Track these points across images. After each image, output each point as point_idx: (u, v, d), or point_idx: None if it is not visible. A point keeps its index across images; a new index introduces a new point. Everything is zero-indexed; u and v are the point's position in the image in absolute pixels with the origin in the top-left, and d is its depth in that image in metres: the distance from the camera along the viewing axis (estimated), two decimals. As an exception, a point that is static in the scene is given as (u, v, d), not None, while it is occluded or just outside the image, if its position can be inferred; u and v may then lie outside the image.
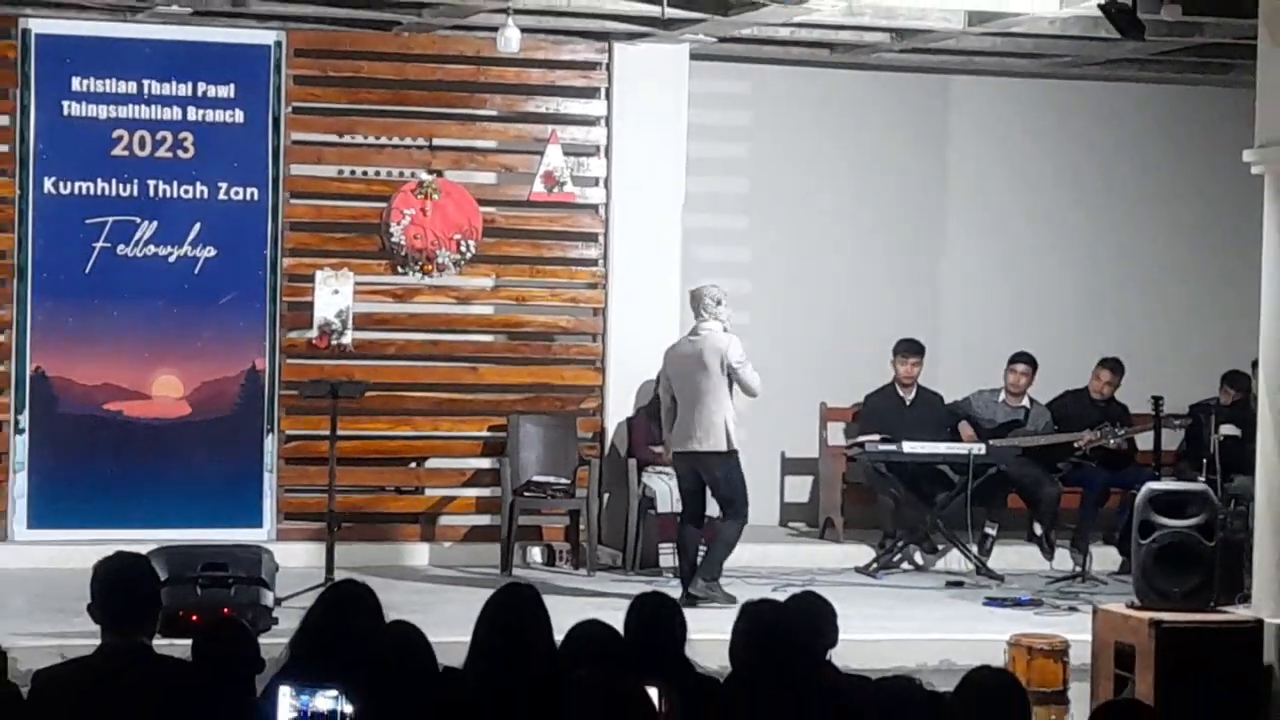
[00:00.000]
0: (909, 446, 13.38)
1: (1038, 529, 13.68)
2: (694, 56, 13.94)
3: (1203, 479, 11.77)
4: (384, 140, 13.74)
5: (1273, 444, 10.65)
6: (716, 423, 11.97)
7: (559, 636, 6.22)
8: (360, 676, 5.76)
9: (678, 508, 12.92)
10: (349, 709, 5.67)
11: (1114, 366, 13.92)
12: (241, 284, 13.45)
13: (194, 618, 9.94)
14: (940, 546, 13.62)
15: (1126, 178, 15.42)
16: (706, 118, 14.36)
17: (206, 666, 5.93)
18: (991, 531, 13.54)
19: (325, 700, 5.66)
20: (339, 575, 9.45)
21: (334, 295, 13.49)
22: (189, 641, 6.25)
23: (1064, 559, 13.51)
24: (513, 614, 6.38)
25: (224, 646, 5.99)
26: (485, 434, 13.83)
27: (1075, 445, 13.62)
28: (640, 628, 6.40)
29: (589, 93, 13.95)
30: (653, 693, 5.14)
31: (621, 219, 13.94)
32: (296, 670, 5.92)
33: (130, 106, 13.24)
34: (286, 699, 5.69)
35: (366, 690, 5.71)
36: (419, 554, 13.49)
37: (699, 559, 11.94)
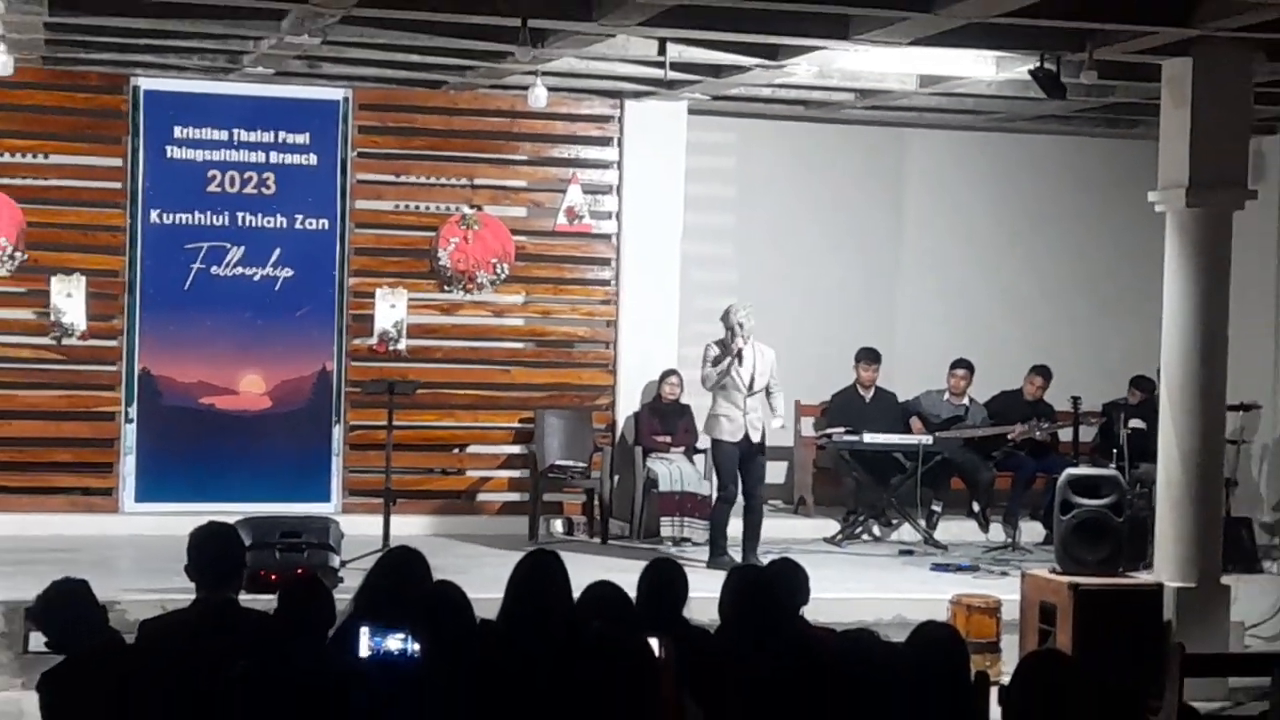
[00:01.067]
0: (868, 437, 13.37)
1: (975, 507, 13.70)
2: (691, 111, 13.94)
3: (1113, 466, 11.76)
4: (433, 180, 13.72)
5: (1172, 437, 10.64)
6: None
7: (576, 593, 6.22)
8: (414, 626, 5.77)
9: (676, 487, 12.94)
10: (415, 648, 5.67)
11: (1044, 373, 13.95)
12: (314, 299, 13.45)
13: (273, 577, 9.95)
14: (894, 521, 13.62)
15: (1050, 215, 15.41)
16: (701, 163, 14.34)
17: (291, 615, 5.93)
18: (937, 509, 13.55)
19: (395, 641, 5.67)
20: (394, 542, 9.43)
21: (391, 309, 13.49)
22: (269, 596, 6.25)
23: (997, 532, 13.53)
24: (537, 575, 6.38)
25: (306, 598, 5.99)
26: (515, 425, 13.82)
27: (1008, 437, 13.64)
28: (650, 588, 6.40)
29: (603, 141, 13.94)
30: (654, 643, 5.13)
31: (630, 247, 13.94)
32: (368, 617, 5.93)
33: (222, 151, 13.25)
34: (364, 638, 5.69)
35: (431, 639, 5.72)
36: (460, 525, 13.43)
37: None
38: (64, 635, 6.00)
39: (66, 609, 6.02)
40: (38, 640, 9.80)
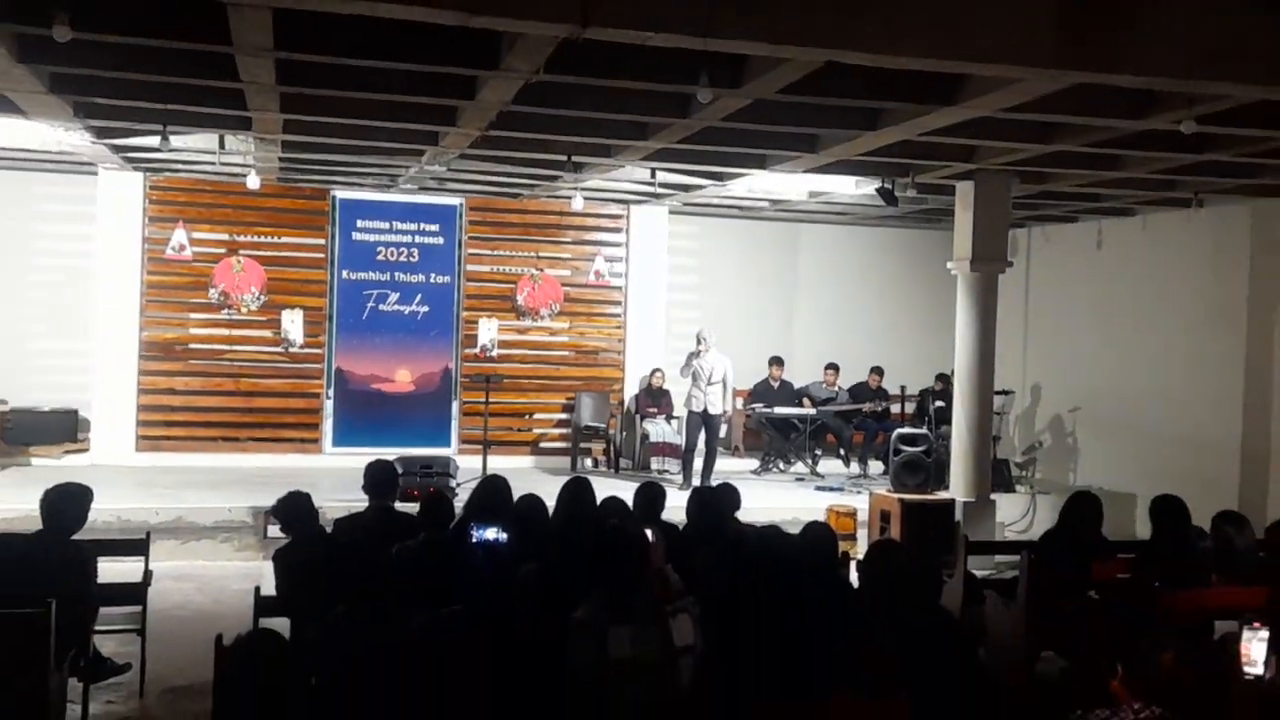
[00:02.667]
0: (778, 410, 13.40)
1: (842, 452, 13.70)
2: (671, 212, 13.95)
3: (925, 428, 11.79)
4: (513, 253, 13.71)
5: (961, 410, 10.68)
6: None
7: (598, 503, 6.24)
8: (503, 523, 5.78)
9: (660, 439, 12.98)
10: (504, 536, 5.68)
11: (880, 371, 13.92)
12: (441, 325, 13.42)
13: (415, 493, 9.96)
14: (792, 461, 13.61)
15: (888, 275, 15.40)
16: (677, 244, 14.34)
17: (426, 515, 5.94)
18: (818, 453, 13.55)
19: (491, 531, 5.68)
20: (490, 471, 9.45)
21: (488, 331, 13.51)
22: (414, 505, 6.26)
23: (855, 467, 13.52)
24: (575, 490, 6.42)
25: (437, 505, 6.01)
26: (563, 401, 13.80)
27: (862, 410, 13.64)
28: (642, 499, 6.42)
29: (616, 230, 13.94)
30: (649, 532, 5.14)
31: (633, 295, 13.94)
32: (474, 518, 5.94)
33: (385, 235, 13.25)
34: (473, 530, 5.71)
35: (514, 531, 5.74)
36: (528, 461, 13.46)
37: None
38: (292, 524, 6.01)
39: (296, 507, 6.05)
40: (273, 530, 9.85)
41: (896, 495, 10.20)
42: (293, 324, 12.99)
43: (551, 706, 3.83)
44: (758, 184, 11.61)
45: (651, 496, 6.42)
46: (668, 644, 4.20)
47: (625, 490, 6.71)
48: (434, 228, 13.41)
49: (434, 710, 2.78)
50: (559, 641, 4.11)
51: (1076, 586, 6.30)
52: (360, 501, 6.52)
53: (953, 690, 3.33)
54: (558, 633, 4.13)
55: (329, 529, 6.37)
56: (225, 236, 12.88)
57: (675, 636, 4.25)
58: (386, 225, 13.27)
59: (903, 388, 12.94)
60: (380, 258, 13.25)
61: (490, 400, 12.19)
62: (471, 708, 2.89)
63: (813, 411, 13.44)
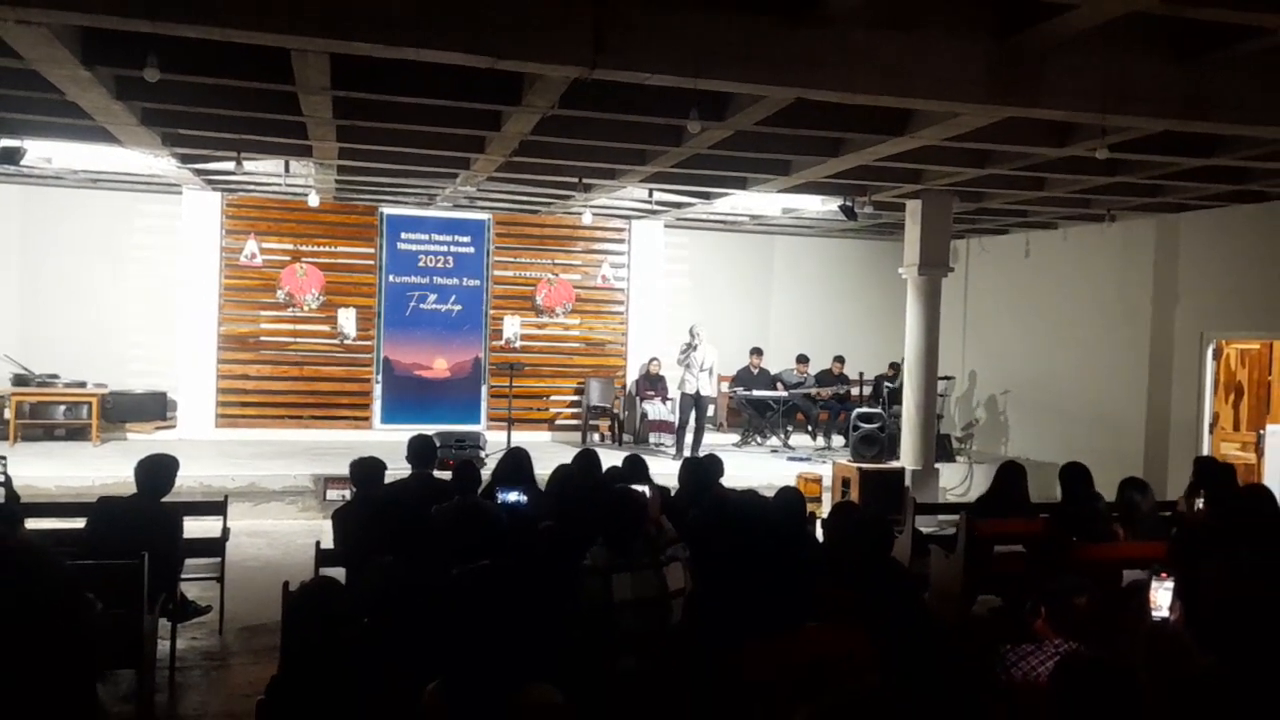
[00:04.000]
0: (756, 393, 13.38)
1: (810, 429, 13.70)
2: (666, 226, 13.93)
3: (879, 408, 11.79)
4: (533, 260, 13.68)
5: (910, 393, 10.67)
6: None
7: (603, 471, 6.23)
8: (526, 487, 5.78)
9: (657, 418, 12.97)
10: (525, 499, 5.68)
11: (841, 360, 13.91)
12: (472, 322, 13.41)
13: (450, 462, 9.94)
14: (767, 435, 13.61)
15: (849, 278, 15.38)
16: (672, 254, 14.32)
17: (459, 480, 5.93)
18: (790, 429, 13.54)
19: (514, 494, 5.68)
20: (512, 444, 9.46)
21: (512, 326, 13.49)
22: (449, 472, 6.26)
23: (821, 441, 13.52)
24: (585, 460, 6.42)
25: (465, 472, 6.01)
26: (575, 385, 13.80)
27: (818, 395, 13.62)
28: (628, 466, 6.44)
29: (620, 241, 13.91)
30: (647, 490, 5.15)
31: (634, 295, 13.92)
32: (501, 483, 5.93)
33: (425, 245, 13.23)
34: (498, 493, 5.71)
35: (533, 494, 5.73)
36: (545, 436, 13.46)
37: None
38: (362, 483, 6.00)
39: (372, 469, 6.03)
40: (331, 493, 9.87)
41: (855, 464, 10.22)
42: (347, 320, 12.98)
43: (565, 638, 3.84)
44: (739, 202, 11.61)
45: (634, 463, 6.43)
46: (663, 587, 4.22)
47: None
48: (466, 239, 13.39)
49: (465, 645, 2.80)
50: (571, 585, 4.12)
51: (1005, 540, 6.31)
52: (405, 470, 6.53)
53: (903, 628, 3.34)
54: (570, 577, 4.14)
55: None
56: (290, 246, 12.87)
57: (669, 581, 4.26)
58: (426, 237, 13.25)
59: (861, 374, 12.96)
60: (421, 264, 13.23)
61: (514, 384, 12.20)
62: (497, 642, 2.90)
63: (785, 394, 13.43)
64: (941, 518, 9.52)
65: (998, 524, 6.42)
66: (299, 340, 12.94)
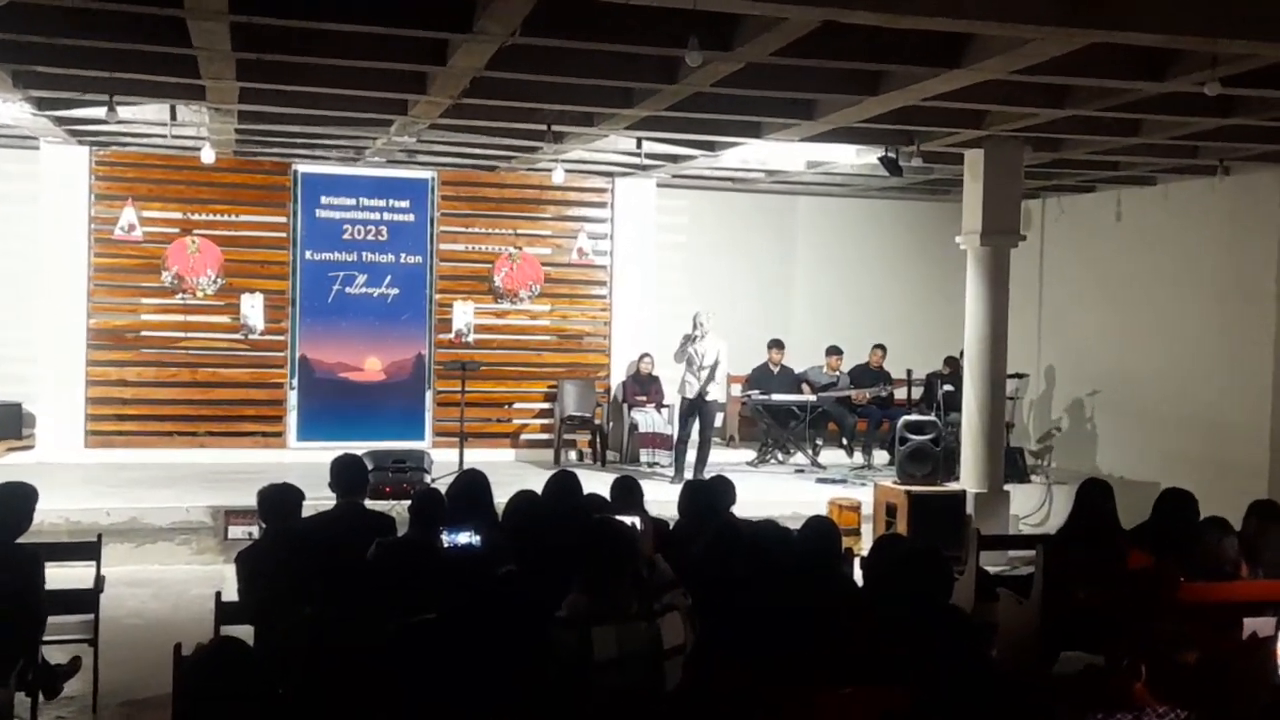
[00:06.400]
0: (775, 397, 13.42)
1: (844, 441, 13.72)
2: (659, 185, 13.94)
3: (932, 414, 11.82)
4: (490, 230, 13.69)
5: (972, 395, 10.72)
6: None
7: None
8: (483, 522, 5.78)
9: (650, 429, 13.01)
10: (478, 540, 5.67)
11: (882, 348, 13.96)
12: (413, 309, 13.41)
13: (387, 489, 9.97)
14: (791, 451, 13.63)
15: (890, 250, 15.46)
16: (664, 220, 14.34)
17: (419, 517, 5.90)
18: (819, 443, 13.55)
19: (465, 535, 5.68)
20: (465, 466, 9.45)
21: (463, 314, 13.50)
22: (386, 502, 6.26)
23: (858, 457, 13.56)
24: (559, 484, 6.44)
25: (428, 505, 5.98)
26: (545, 390, 13.81)
27: (854, 399, 13.66)
28: (619, 491, 6.46)
29: (601, 205, 13.92)
30: (637, 521, 5.15)
31: (619, 274, 13.94)
32: (448, 520, 5.92)
33: (352, 212, 13.22)
34: (444, 535, 5.70)
35: (487, 529, 5.72)
36: (509, 455, 13.47)
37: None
38: (274, 519, 5.99)
39: (283, 501, 6.04)
40: (235, 530, 9.86)
41: (903, 487, 10.24)
42: (252, 309, 12.96)
43: (533, 708, 3.84)
44: (752, 154, 11.61)
45: (627, 488, 6.46)
46: (656, 643, 4.22)
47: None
48: (404, 204, 13.38)
49: (408, 718, 2.79)
50: (540, 641, 4.12)
51: (1095, 581, 6.33)
52: (328, 500, 6.51)
53: (964, 692, 3.35)
54: (539, 631, 4.14)
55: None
56: (178, 215, 12.84)
57: (665, 635, 4.26)
58: (352, 201, 13.24)
59: (909, 371, 12.99)
60: (346, 237, 13.22)
61: (467, 389, 12.18)
62: (448, 713, 2.90)
63: (813, 398, 13.46)
64: (1013, 553, 9.56)
65: (1084, 559, 6.44)
66: (191, 335, 12.92)
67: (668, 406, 13.17)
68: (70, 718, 6.33)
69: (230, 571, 6.18)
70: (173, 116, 10.18)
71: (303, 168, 13.06)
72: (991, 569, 7.77)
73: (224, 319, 12.97)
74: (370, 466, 7.12)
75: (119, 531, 9.61)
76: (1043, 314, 14.61)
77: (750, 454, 13.59)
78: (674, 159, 11.98)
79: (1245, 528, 6.24)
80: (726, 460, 12.90)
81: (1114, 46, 6.97)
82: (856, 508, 10.21)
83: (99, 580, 6.66)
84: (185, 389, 12.90)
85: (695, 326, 11.90)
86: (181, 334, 12.90)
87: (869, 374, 13.91)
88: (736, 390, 14.10)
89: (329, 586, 4.37)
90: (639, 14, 6.18)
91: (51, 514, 8.88)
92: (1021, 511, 11.39)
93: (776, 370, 13.80)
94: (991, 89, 8.17)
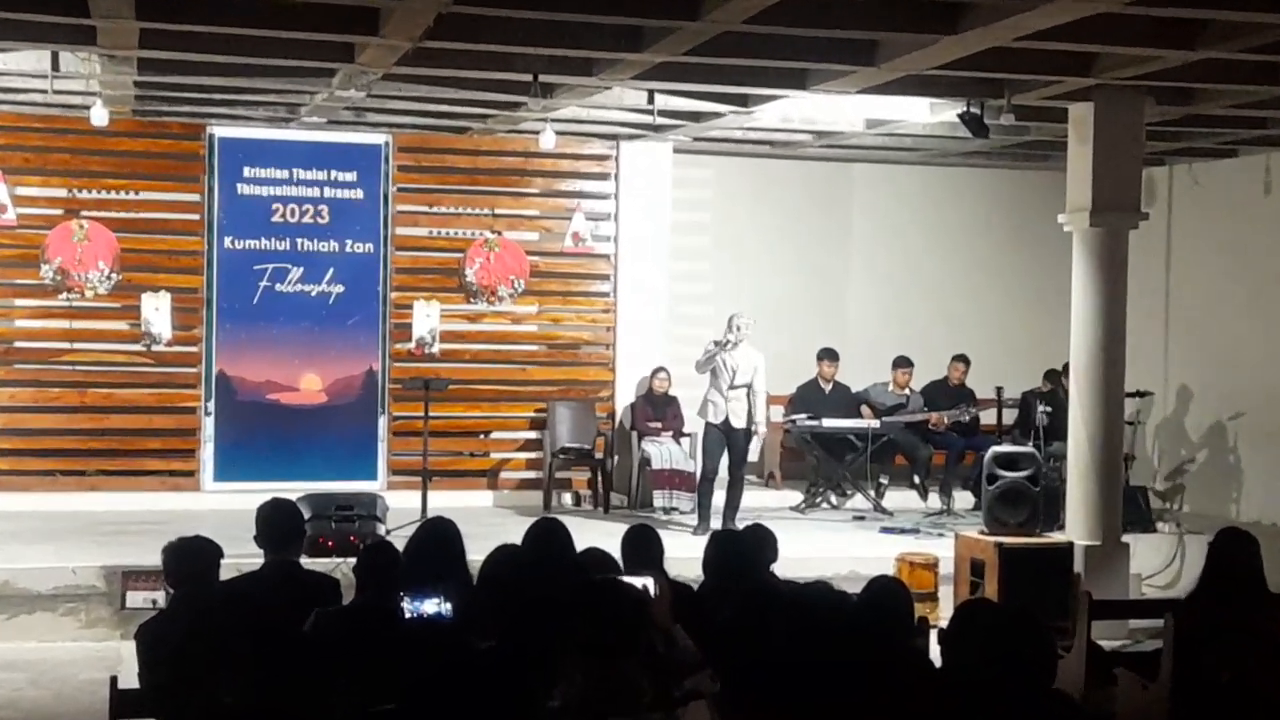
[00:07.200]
0: (827, 422, 13.40)
1: (916, 479, 13.67)
2: (676, 150, 13.96)
3: (1030, 444, 11.80)
4: (460, 210, 13.73)
5: (1080, 419, 10.70)
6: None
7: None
8: (454, 585, 5.77)
9: (666, 465, 12.99)
10: (448, 608, 5.68)
11: (964, 360, 13.96)
12: (362, 310, 13.45)
13: (330, 543, 9.97)
14: (848, 492, 13.60)
15: (974, 234, 15.43)
16: (684, 194, 14.36)
17: (369, 574, 5.91)
18: (884, 481, 13.55)
19: (431, 603, 5.68)
20: (430, 513, 9.45)
21: (426, 318, 13.51)
22: (327, 560, 6.28)
23: (935, 500, 13.54)
24: (543, 534, 6.46)
25: (380, 560, 5.99)
26: (531, 414, 13.83)
27: (930, 424, 13.65)
28: (630, 546, 6.45)
29: (602, 177, 13.96)
30: (649, 583, 5.15)
31: (625, 265, 13.97)
32: (411, 580, 5.92)
33: (283, 187, 13.27)
34: (405, 601, 5.70)
35: (459, 594, 5.72)
36: (486, 499, 13.49)
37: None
38: (186, 580, 6.00)
39: (196, 558, 6.05)
40: (134, 597, 9.87)
41: (992, 538, 10.22)
42: (157, 312, 12.99)
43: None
44: (795, 110, 11.62)
45: (642, 542, 6.45)
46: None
47: (617, 537, 6.72)
48: (350, 176, 13.42)
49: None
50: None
51: (1240, 658, 6.32)
52: (254, 557, 6.52)
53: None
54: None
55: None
56: (62, 193, 12.91)
57: (688, 732, 4.27)
58: (285, 174, 13.28)
59: (999, 389, 12.97)
60: (277, 219, 13.26)
61: (431, 415, 12.19)
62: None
63: (877, 424, 13.45)
64: (1134, 623, 9.53)
65: (1225, 630, 6.42)
66: (79, 346, 12.97)
67: (688, 436, 13.16)
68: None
69: (129, 649, 6.19)
70: (55, 66, 10.22)
71: (220, 131, 13.10)
72: (1107, 643, 7.75)
73: (120, 325, 13.00)
74: (307, 515, 7.11)
75: (-14, 598, 9.64)
76: (1170, 315, 14.58)
77: (796, 496, 13.59)
78: (696, 117, 12.00)
79: None
80: (765, 505, 12.90)
81: (1260, -29, 6.98)
82: (932, 565, 10.18)
83: (-39, 661, 6.67)
84: (71, 415, 12.94)
85: (730, 329, 11.82)
86: (66, 344, 12.94)
87: (947, 393, 13.89)
88: (778, 414, 14.11)
89: (256, 668, 4.38)
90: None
91: (-100, 576, 8.90)
92: (1145, 569, 11.36)
93: (828, 388, 13.79)
94: (1103, 25, 8.18)
